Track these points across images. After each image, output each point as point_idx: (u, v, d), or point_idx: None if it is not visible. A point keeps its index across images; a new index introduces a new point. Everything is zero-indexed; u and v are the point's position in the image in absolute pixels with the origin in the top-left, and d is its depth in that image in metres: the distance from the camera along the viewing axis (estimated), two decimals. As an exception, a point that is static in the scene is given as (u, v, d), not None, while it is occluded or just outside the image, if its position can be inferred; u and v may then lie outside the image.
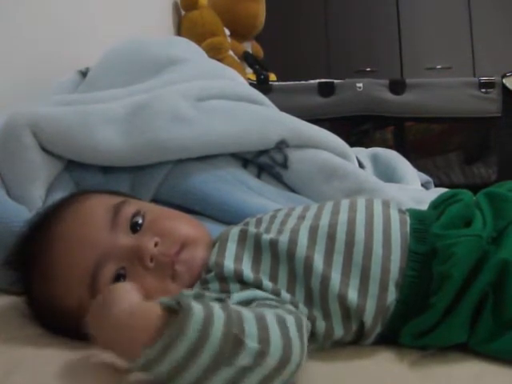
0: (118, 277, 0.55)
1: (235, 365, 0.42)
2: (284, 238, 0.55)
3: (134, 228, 0.58)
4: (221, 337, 0.43)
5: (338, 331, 0.53)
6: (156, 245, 0.56)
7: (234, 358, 0.42)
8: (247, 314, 0.45)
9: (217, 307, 0.45)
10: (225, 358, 0.42)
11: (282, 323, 0.46)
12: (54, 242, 0.57)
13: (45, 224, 0.60)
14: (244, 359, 0.43)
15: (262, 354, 0.43)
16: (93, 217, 0.58)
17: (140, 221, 0.59)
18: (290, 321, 0.47)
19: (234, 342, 0.43)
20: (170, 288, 0.54)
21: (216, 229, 0.69)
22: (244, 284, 0.53)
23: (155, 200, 0.77)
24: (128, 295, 0.48)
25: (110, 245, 0.56)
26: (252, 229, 0.58)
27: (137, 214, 0.59)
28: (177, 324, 0.42)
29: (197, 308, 0.43)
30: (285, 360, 0.44)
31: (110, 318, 0.45)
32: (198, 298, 0.48)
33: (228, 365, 0.42)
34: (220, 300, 0.48)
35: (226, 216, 0.76)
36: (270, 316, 0.46)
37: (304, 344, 0.46)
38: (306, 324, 0.48)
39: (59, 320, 0.57)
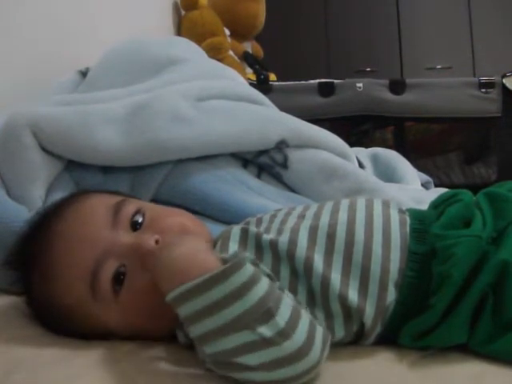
0: (119, 274, 0.55)
1: (257, 332, 0.44)
2: (284, 239, 0.55)
3: (134, 226, 0.58)
4: (257, 300, 0.45)
5: (339, 332, 0.53)
6: (157, 242, 0.56)
7: (258, 324, 0.44)
8: (288, 299, 0.47)
9: (266, 278, 0.47)
10: (250, 319, 0.44)
11: (312, 326, 0.47)
12: (54, 241, 0.57)
13: (45, 223, 0.60)
14: (267, 330, 0.44)
15: (284, 335, 0.44)
16: (93, 216, 0.58)
17: (140, 219, 0.59)
18: (319, 330, 0.48)
19: (265, 311, 0.45)
20: None
21: (216, 229, 0.69)
22: None
23: (155, 200, 0.77)
24: (198, 242, 0.52)
25: (111, 243, 0.56)
26: (253, 228, 0.58)
27: (137, 212, 0.59)
28: (225, 269, 0.45)
29: (249, 266, 0.46)
30: (303, 353, 0.45)
31: (174, 254, 0.49)
32: (254, 265, 0.49)
33: (250, 328, 0.44)
34: (270, 277, 0.50)
35: (226, 216, 0.76)
36: (304, 314, 0.47)
37: (323, 354, 0.47)
38: (329, 342, 0.49)
39: (59, 320, 0.57)
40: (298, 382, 0.46)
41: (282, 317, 0.45)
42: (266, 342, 0.44)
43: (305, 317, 0.47)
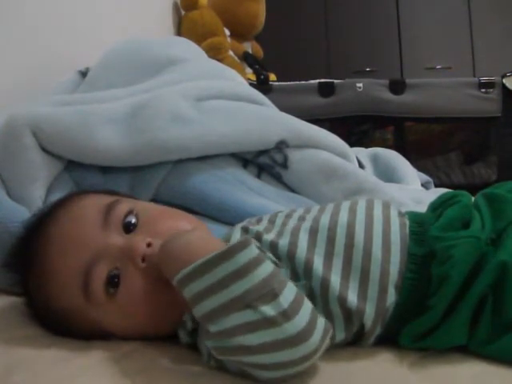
0: (113, 277, 0.54)
1: (259, 310, 0.44)
2: (284, 241, 0.55)
3: (127, 228, 0.57)
4: (261, 279, 0.45)
5: (340, 334, 0.53)
6: (149, 245, 0.55)
7: (262, 303, 0.44)
8: (291, 285, 0.47)
9: (271, 263, 0.48)
10: (254, 298, 0.44)
11: (314, 313, 0.47)
12: (47, 243, 0.57)
13: (39, 225, 0.59)
14: (270, 309, 0.44)
15: (286, 316, 0.44)
16: (85, 217, 0.58)
17: (133, 220, 0.57)
18: (321, 319, 0.47)
19: (269, 291, 0.45)
20: (164, 289, 0.53)
21: (216, 229, 0.69)
22: None
23: (155, 200, 0.77)
24: (203, 232, 0.54)
25: (102, 244, 0.55)
26: (253, 227, 0.58)
27: (130, 213, 0.58)
28: (230, 248, 0.46)
29: (254, 247, 0.47)
30: (303, 337, 0.44)
31: (180, 241, 0.51)
32: (260, 251, 0.49)
33: (253, 307, 0.44)
34: (276, 264, 0.50)
35: (226, 216, 0.76)
36: (307, 301, 0.47)
37: (323, 342, 0.46)
38: (330, 334, 0.48)
39: (57, 322, 0.57)
40: (296, 367, 0.46)
41: (286, 298, 0.45)
42: (267, 322, 0.44)
43: (308, 303, 0.47)
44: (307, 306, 0.47)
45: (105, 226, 0.56)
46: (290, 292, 0.46)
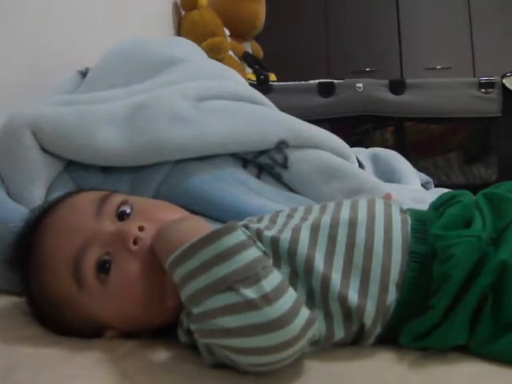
0: (104, 263, 0.55)
1: (240, 293, 0.44)
2: (285, 237, 0.55)
3: (121, 217, 0.58)
4: (245, 263, 0.46)
5: (339, 333, 0.53)
6: (141, 229, 0.56)
7: (244, 286, 0.45)
8: (277, 272, 0.47)
9: (258, 250, 0.48)
10: (236, 280, 0.45)
11: (298, 303, 0.46)
12: (42, 233, 0.58)
13: (36, 219, 0.61)
14: (251, 292, 0.44)
15: (267, 299, 0.44)
16: (79, 207, 0.59)
17: (128, 210, 0.58)
18: (305, 310, 0.47)
19: (252, 275, 0.45)
20: (156, 273, 0.54)
21: (216, 229, 0.69)
22: None
23: (155, 200, 0.77)
24: (200, 221, 0.56)
25: (94, 230, 0.56)
26: (253, 225, 0.58)
27: (124, 203, 0.59)
28: (217, 231, 0.47)
29: (241, 233, 0.48)
30: (282, 323, 0.44)
31: (176, 228, 0.53)
32: (251, 240, 0.50)
33: (234, 290, 0.45)
34: (265, 254, 0.50)
35: (226, 216, 0.75)
36: (292, 290, 0.47)
37: (306, 333, 0.46)
38: (314, 327, 0.48)
39: (52, 314, 0.57)
40: (276, 354, 0.45)
41: (269, 283, 0.45)
42: (248, 304, 0.44)
43: (292, 293, 0.47)
44: (291, 294, 0.47)
45: (98, 214, 0.58)
46: (274, 278, 0.46)
